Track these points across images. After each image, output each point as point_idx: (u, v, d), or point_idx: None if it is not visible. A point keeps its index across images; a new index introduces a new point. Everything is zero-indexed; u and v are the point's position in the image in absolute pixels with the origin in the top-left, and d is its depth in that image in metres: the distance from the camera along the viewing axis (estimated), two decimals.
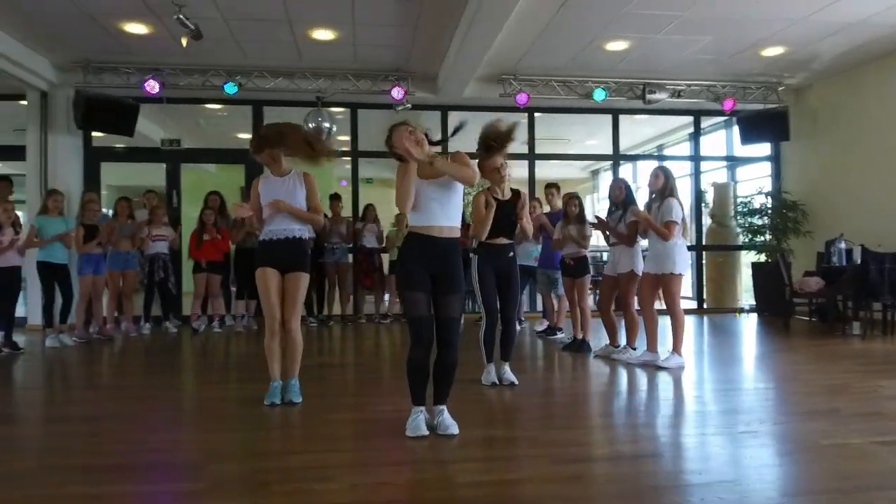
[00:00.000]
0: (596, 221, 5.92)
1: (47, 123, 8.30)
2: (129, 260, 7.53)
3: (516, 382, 4.57)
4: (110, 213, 8.53)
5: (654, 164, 13.08)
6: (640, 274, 5.48)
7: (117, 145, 9.13)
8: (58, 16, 6.59)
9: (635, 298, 5.63)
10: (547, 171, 14.59)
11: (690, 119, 10.09)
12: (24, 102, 8.31)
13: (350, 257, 8.67)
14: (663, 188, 5.30)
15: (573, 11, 6.52)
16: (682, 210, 5.25)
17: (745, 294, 10.24)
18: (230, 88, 8.06)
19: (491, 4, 5.87)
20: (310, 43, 7.43)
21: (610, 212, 5.98)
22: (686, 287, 11.77)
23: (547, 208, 7.51)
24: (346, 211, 9.07)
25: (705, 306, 10.07)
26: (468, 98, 8.85)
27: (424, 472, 2.79)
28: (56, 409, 4.31)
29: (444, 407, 3.40)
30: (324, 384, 4.76)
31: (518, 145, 10.83)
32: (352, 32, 7.11)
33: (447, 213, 3.30)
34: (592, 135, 12.01)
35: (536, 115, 9.79)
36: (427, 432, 3.27)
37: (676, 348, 5.27)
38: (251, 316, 8.22)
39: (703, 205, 10.42)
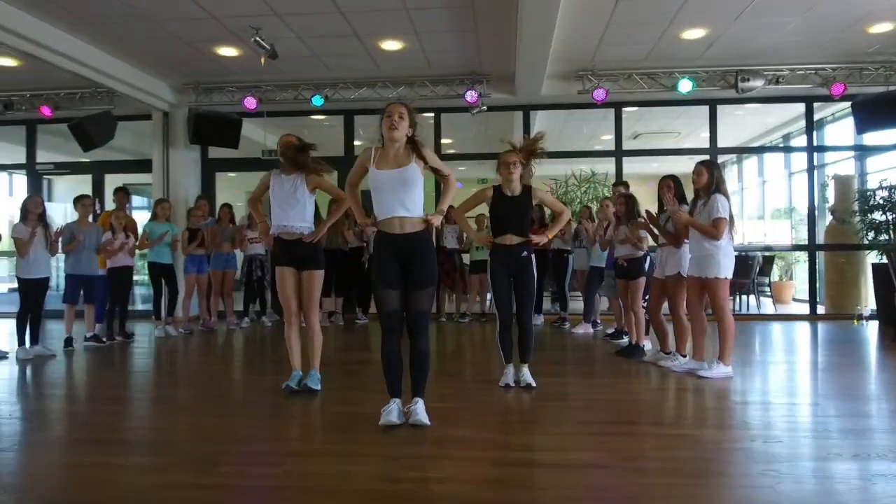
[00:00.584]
0: (644, 219, 5.66)
1: (168, 139, 9.43)
2: (230, 260, 8.38)
3: (534, 385, 4.53)
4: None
5: (780, 156, 12.07)
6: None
7: (236, 156, 10.08)
8: (165, 45, 7.50)
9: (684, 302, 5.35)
10: (668, 166, 13.85)
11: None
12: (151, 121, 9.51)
13: None
14: (708, 185, 4.96)
15: (632, 4, 6.28)
16: (730, 207, 4.89)
17: (872, 299, 9.14)
18: (317, 101, 8.66)
19: (535, 9, 5.85)
20: (382, 53, 7.79)
21: (660, 210, 5.70)
22: (799, 290, 10.72)
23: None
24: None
25: (820, 311, 9.13)
26: (547, 96, 8.78)
27: (358, 465, 2.94)
28: (117, 390, 4.93)
29: (419, 399, 3.54)
30: (355, 378, 5.05)
31: (611, 146, 10.61)
32: (417, 41, 7.37)
33: (403, 204, 3.47)
34: (705, 125, 11.28)
35: (626, 109, 9.46)
36: (398, 421, 3.43)
37: (723, 357, 4.92)
38: (339, 312, 8.80)
39: (822, 200, 9.45)
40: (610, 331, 7.30)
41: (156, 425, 3.68)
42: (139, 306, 10.27)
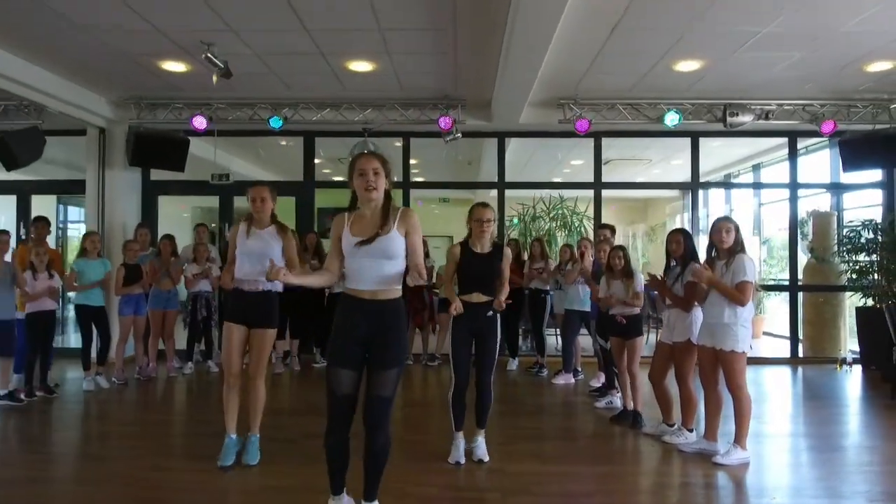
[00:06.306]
0: (649, 278, 5.09)
1: (105, 159, 8.42)
2: (171, 299, 7.45)
3: (486, 460, 4.23)
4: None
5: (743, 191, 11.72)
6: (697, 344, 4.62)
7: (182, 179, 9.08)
8: (104, 57, 6.54)
9: (693, 372, 4.82)
10: (632, 190, 13.49)
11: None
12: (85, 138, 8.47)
13: None
14: (734, 244, 4.44)
15: (628, 35, 5.76)
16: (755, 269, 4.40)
17: (852, 341, 8.89)
18: (275, 122, 7.84)
19: (526, 35, 5.24)
20: (350, 74, 7.06)
21: (668, 267, 5.13)
22: (780, 329, 10.41)
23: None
24: None
25: (801, 355, 8.82)
26: (525, 124, 8.20)
27: None
28: (38, 468, 4.07)
29: None
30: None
31: (582, 171, 10.13)
32: (389, 62, 6.66)
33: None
34: (676, 154, 10.95)
35: (605, 139, 8.96)
36: None
37: (739, 440, 4.38)
38: (294, 355, 7.98)
39: (799, 237, 9.15)
40: (595, 384, 6.74)
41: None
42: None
